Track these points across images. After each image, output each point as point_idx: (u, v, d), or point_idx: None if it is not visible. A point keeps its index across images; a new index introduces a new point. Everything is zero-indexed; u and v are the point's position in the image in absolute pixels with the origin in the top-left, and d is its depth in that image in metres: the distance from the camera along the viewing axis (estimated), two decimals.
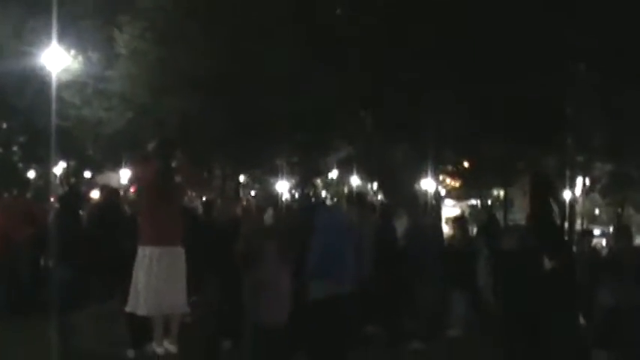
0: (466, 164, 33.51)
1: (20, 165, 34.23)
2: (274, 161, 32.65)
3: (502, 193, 46.06)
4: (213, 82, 21.15)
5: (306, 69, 20.77)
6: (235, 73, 20.92)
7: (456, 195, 42.68)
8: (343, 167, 37.45)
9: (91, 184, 31.72)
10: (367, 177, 37.91)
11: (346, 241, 8.84)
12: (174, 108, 21.19)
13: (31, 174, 36.26)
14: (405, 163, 24.14)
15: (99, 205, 10.69)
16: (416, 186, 30.56)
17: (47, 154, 20.92)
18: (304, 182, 35.45)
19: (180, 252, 7.64)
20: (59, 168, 38.38)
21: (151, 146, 7.66)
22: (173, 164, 7.68)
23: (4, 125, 28.36)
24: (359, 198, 10.05)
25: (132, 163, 7.63)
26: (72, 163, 37.61)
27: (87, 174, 36.41)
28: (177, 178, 7.72)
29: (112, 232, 8.90)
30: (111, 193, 10.48)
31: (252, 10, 19.28)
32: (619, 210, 38.73)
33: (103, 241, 8.86)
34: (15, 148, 32.63)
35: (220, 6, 19.39)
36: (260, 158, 30.09)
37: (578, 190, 39.59)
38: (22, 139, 30.98)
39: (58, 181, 36.88)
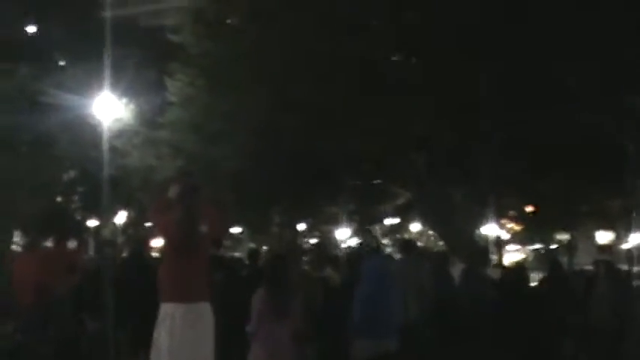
0: (528, 208, 32.57)
1: (79, 214, 34.52)
2: (331, 209, 32.15)
3: (566, 236, 44.81)
4: (264, 129, 20.81)
5: (359, 112, 20.31)
6: (288, 119, 20.55)
7: (519, 239, 41.47)
8: (403, 214, 36.73)
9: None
10: (425, 223, 37.09)
11: (392, 290, 8.33)
12: (225, 155, 20.88)
13: (94, 223, 36.52)
14: (461, 208, 23.34)
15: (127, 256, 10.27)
16: (476, 231, 29.66)
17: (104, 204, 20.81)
18: (362, 230, 34.80)
19: (206, 308, 7.00)
20: (121, 217, 38.63)
21: (172, 192, 7.03)
22: (197, 212, 7.07)
23: (65, 176, 28.60)
24: (408, 246, 9.50)
25: (151, 211, 6.92)
26: (132, 212, 37.78)
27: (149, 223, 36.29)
28: (203, 228, 7.12)
29: (135, 285, 8.43)
30: (136, 243, 10.05)
31: (304, 54, 18.90)
32: None
33: (128, 294, 8.41)
34: (75, 197, 32.94)
35: (271, 52, 19.05)
36: (317, 206, 29.62)
37: None
38: (81, 189, 31.23)
39: (120, 231, 37.11)
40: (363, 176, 27.02)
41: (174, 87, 20.76)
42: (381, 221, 38.23)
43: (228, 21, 19.82)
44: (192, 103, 20.81)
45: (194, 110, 20.84)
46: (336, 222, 36.12)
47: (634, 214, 38.16)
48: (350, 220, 35.35)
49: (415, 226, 43.26)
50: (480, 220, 29.09)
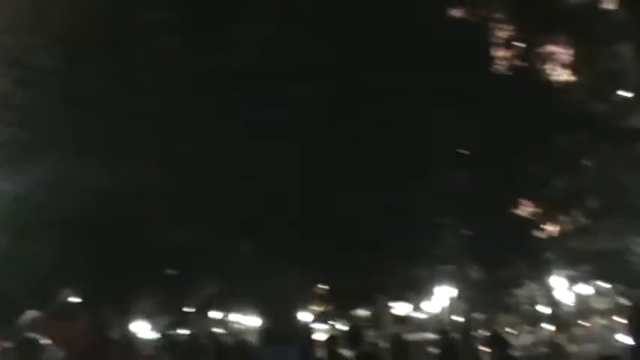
0: (323, 286, 32.91)
1: None
2: (140, 301, 30.58)
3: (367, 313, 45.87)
4: (75, 221, 19.35)
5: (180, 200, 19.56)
6: (98, 207, 19.26)
7: (326, 318, 41.89)
8: (215, 302, 35.61)
9: None
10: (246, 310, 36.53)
11: None
12: (34, 251, 19.21)
13: None
14: (286, 293, 23.03)
15: None
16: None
17: None
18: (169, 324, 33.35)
19: None
20: None
21: (64, 301, 6.08)
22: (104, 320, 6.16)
23: None
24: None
25: (48, 320, 5.86)
26: None
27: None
28: (114, 334, 6.17)
29: None
30: None
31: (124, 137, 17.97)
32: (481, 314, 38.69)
33: None
34: None
35: (88, 136, 17.88)
36: (126, 299, 27.97)
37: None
38: None
39: None
40: (176, 266, 26.04)
41: None
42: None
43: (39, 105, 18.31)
44: None
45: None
46: (145, 316, 34.32)
47: (426, 286, 39.89)
48: (160, 313, 33.79)
49: (216, 314, 42.31)
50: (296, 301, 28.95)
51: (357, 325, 34.45)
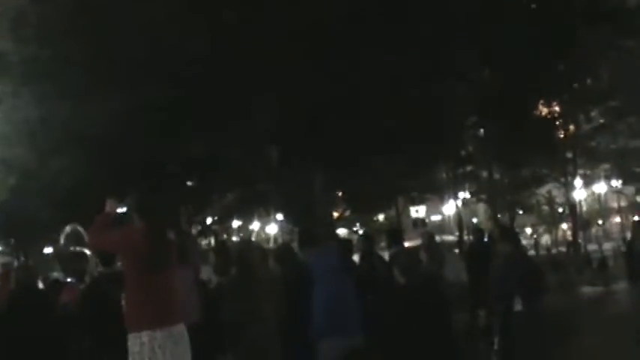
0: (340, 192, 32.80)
1: None
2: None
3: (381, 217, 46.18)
4: (103, 138, 19.34)
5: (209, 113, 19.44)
6: (124, 125, 19.21)
7: (347, 223, 42.05)
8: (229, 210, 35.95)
9: None
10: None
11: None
12: (63, 169, 19.30)
13: None
14: (319, 196, 23.10)
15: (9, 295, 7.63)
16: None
17: None
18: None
19: (182, 331, 6.13)
20: None
21: (127, 203, 6.17)
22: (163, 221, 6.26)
23: None
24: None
25: (97, 229, 6.03)
26: None
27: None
28: (172, 236, 6.29)
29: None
30: (25, 274, 7.96)
31: (145, 53, 17.65)
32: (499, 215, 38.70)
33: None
34: None
35: (108, 53, 17.58)
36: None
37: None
38: None
39: None
40: (201, 177, 26.17)
41: None
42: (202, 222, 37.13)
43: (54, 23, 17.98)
44: (19, 114, 18.86)
45: (23, 123, 18.94)
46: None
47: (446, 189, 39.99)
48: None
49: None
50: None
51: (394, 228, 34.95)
